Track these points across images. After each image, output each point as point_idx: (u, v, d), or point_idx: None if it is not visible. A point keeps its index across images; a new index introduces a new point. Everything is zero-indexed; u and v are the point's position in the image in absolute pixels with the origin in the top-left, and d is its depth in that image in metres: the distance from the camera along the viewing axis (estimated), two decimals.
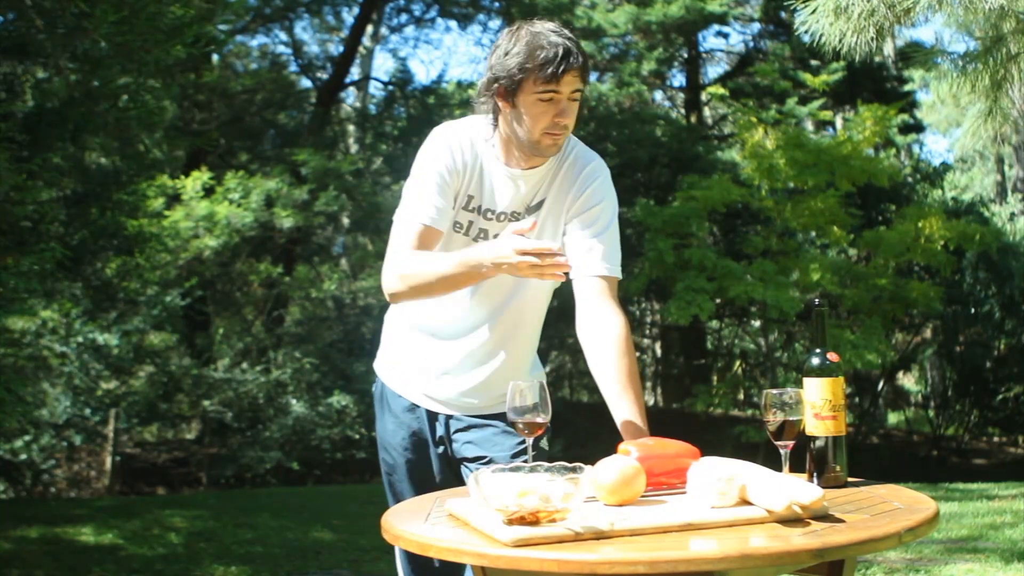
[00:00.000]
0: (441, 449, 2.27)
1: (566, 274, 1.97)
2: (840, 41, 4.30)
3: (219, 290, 12.73)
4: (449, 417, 2.26)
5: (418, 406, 2.27)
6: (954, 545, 5.27)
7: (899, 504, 1.71)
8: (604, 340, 2.06)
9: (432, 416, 2.27)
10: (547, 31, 2.05)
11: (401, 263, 2.07)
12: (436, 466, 2.27)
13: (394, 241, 2.11)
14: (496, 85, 2.07)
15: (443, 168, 2.13)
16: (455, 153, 2.14)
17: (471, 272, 1.98)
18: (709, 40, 18.27)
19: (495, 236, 2.12)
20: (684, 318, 10.25)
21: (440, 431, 2.26)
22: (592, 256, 2.11)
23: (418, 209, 2.10)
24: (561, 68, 2.00)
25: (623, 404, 2.00)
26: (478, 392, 2.23)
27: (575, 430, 11.25)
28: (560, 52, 2.00)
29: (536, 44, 2.03)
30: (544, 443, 2.23)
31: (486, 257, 1.93)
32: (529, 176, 2.16)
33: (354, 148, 15.76)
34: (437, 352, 2.24)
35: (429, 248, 2.09)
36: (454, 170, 2.14)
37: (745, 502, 1.64)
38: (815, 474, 1.88)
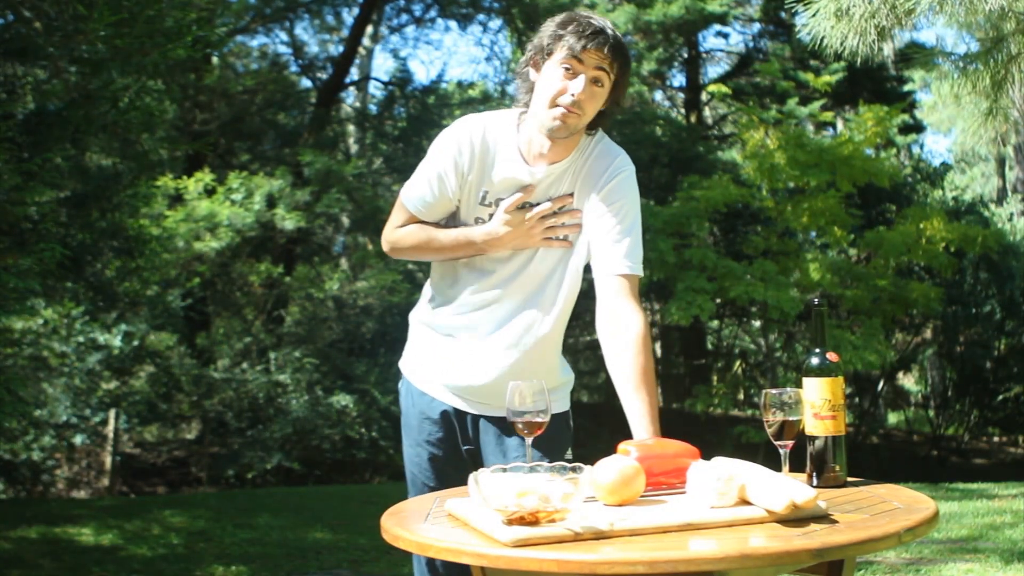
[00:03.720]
0: (468, 448, 2.27)
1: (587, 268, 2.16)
2: (842, 44, 4.30)
3: (219, 290, 12.73)
4: (477, 418, 2.26)
5: (445, 404, 2.27)
6: (954, 545, 5.27)
7: (898, 504, 1.71)
8: (622, 338, 2.06)
9: (460, 414, 2.27)
10: (596, 16, 2.09)
11: (393, 236, 2.27)
12: (464, 463, 2.27)
13: (393, 213, 2.28)
14: (533, 54, 2.12)
15: (448, 163, 2.17)
16: (463, 148, 2.16)
17: (464, 245, 2.16)
18: (709, 40, 18.29)
19: None
20: (685, 319, 10.25)
21: (469, 430, 2.27)
22: (614, 254, 2.11)
23: (411, 196, 2.24)
24: (588, 41, 2.02)
25: (636, 402, 2.00)
26: (500, 392, 2.22)
27: (575, 430, 11.24)
28: (593, 28, 2.03)
29: (576, 16, 2.07)
30: (569, 453, 2.26)
31: (478, 234, 2.12)
32: (551, 170, 2.15)
33: (354, 148, 15.76)
34: (458, 351, 2.24)
35: None
36: (458, 167, 2.16)
37: (744, 502, 1.64)
38: (814, 474, 1.88)
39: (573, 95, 2.03)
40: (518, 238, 2.13)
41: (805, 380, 1.89)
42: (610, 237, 2.12)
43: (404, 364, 2.38)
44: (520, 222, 2.12)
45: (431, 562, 2.23)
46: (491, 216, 2.17)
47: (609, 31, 2.05)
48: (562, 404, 2.31)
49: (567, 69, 2.04)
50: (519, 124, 2.17)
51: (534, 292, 2.19)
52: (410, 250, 2.26)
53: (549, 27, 2.08)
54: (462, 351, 2.23)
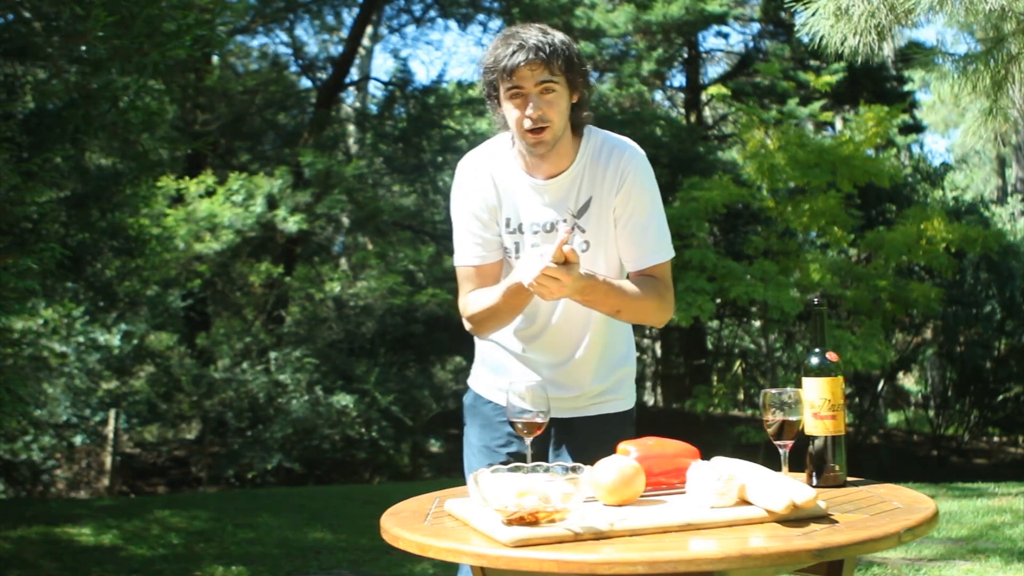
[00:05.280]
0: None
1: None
2: (842, 44, 4.30)
3: (219, 290, 12.73)
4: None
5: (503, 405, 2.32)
6: (954, 545, 5.27)
7: (898, 504, 1.71)
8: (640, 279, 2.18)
9: None
10: (515, 32, 2.11)
11: (464, 310, 2.22)
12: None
13: (459, 288, 2.25)
14: (488, 98, 2.17)
15: (475, 206, 2.21)
16: (480, 190, 2.21)
17: (517, 293, 2.07)
18: (709, 40, 18.29)
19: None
20: (686, 320, 10.25)
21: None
22: (644, 251, 2.19)
23: (464, 252, 2.22)
24: (514, 62, 2.05)
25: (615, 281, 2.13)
26: (559, 394, 2.22)
27: None
28: (514, 48, 2.06)
29: (497, 46, 2.10)
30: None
31: (516, 279, 2.04)
32: (561, 181, 2.18)
33: (354, 148, 15.75)
34: (513, 363, 2.30)
35: (494, 279, 2.20)
36: (486, 205, 2.20)
37: (744, 502, 1.64)
38: (814, 474, 1.88)
39: (531, 118, 2.07)
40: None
41: (805, 380, 1.89)
42: (636, 236, 2.19)
43: (471, 379, 2.44)
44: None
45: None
46: (517, 245, 2.21)
47: (532, 41, 2.06)
48: (623, 403, 2.34)
49: (515, 96, 2.09)
50: (512, 145, 2.21)
51: (575, 316, 2.23)
52: (485, 318, 2.18)
53: (484, 66, 2.12)
54: (518, 364, 2.30)
